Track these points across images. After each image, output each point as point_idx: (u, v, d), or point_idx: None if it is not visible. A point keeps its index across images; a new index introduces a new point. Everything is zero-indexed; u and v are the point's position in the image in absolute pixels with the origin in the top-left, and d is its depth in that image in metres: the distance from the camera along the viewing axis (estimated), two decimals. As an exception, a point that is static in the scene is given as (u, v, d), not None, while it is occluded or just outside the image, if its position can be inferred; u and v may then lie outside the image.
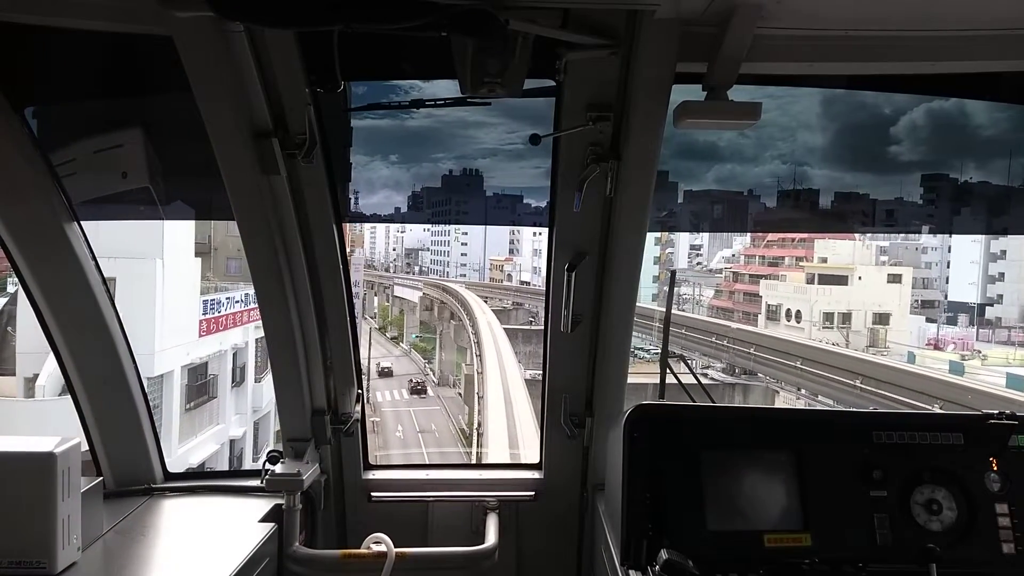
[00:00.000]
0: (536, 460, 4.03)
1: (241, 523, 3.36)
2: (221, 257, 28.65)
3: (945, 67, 3.12)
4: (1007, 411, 2.98)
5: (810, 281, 39.71)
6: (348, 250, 3.87)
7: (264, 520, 3.38)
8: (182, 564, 3.00)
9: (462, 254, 55.07)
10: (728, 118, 2.85)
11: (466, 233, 52.61)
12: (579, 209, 3.30)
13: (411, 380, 40.96)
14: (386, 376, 41.50)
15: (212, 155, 3.13)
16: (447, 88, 3.18)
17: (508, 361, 28.86)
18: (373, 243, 64.19)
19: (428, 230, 55.98)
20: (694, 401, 3.62)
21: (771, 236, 43.17)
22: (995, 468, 2.90)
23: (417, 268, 58.62)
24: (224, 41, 2.85)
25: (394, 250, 62.81)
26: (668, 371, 3.60)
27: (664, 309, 3.79)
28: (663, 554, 2.51)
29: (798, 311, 38.49)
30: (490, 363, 28.36)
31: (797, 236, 41.86)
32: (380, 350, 45.48)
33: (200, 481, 3.85)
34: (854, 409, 3.22)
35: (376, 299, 54.32)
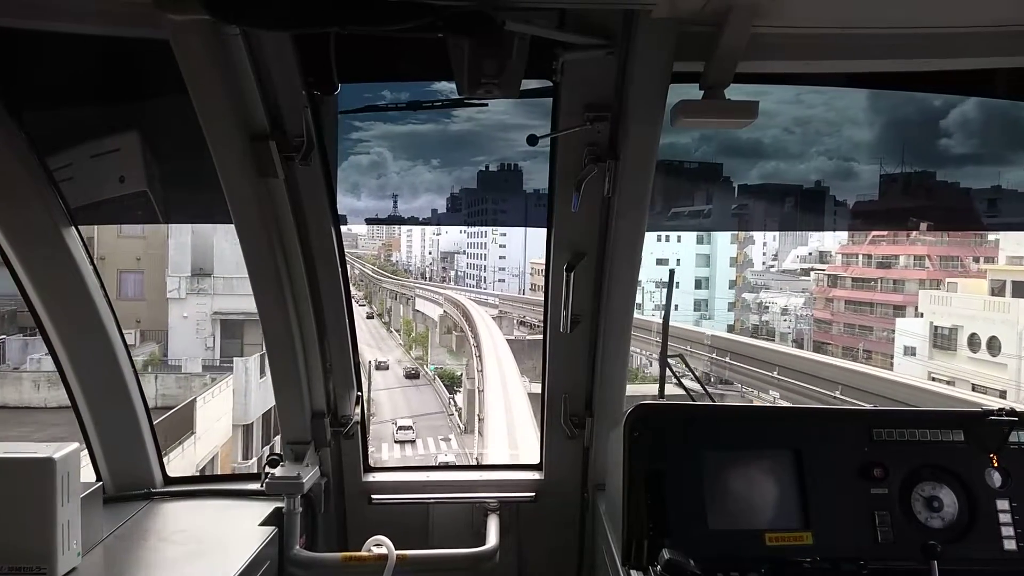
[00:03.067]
0: (536, 461, 4.03)
1: (241, 527, 3.35)
2: (111, 269, 20.65)
3: (941, 64, 3.13)
4: (1006, 407, 2.98)
5: (996, 291, 27.47)
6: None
7: (264, 524, 3.37)
8: (183, 569, 2.99)
9: (500, 257, 50.03)
10: (725, 117, 2.86)
11: (504, 234, 47.73)
12: (577, 209, 3.30)
13: (405, 367, 42.18)
14: (382, 369, 41.55)
15: (209, 158, 3.12)
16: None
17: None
18: (409, 247, 61.85)
19: (464, 232, 51.89)
20: (694, 401, 3.62)
21: (874, 231, 34.64)
22: (996, 464, 2.90)
23: (453, 272, 54.73)
24: (220, 44, 2.85)
25: (430, 254, 59.59)
26: (668, 371, 3.60)
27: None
28: (664, 554, 2.51)
29: (992, 338, 25.41)
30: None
31: (912, 232, 31.81)
32: (396, 374, 41.50)
33: (200, 485, 3.85)
34: (854, 407, 3.22)
35: (402, 310, 49.88)
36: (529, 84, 3.09)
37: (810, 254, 42.50)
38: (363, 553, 3.39)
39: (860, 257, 36.08)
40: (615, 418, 3.23)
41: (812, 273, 39.56)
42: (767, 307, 38.93)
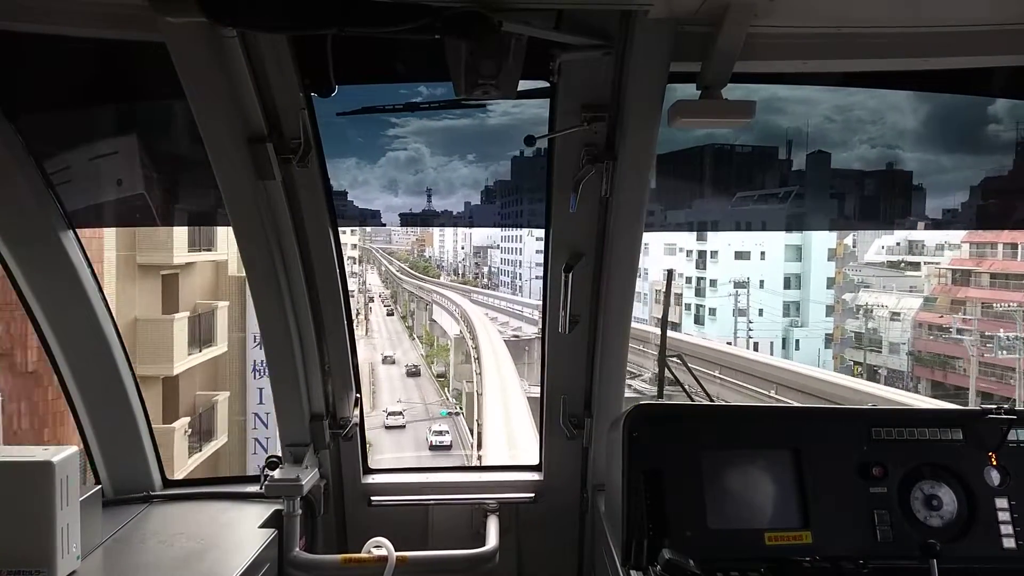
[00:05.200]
0: (536, 461, 4.03)
1: (241, 529, 3.35)
2: None
3: (938, 63, 3.13)
4: (1005, 406, 2.99)
5: None
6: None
7: (264, 526, 3.37)
8: (182, 571, 2.98)
9: (537, 251, 44.08)
10: (722, 116, 2.87)
11: (542, 227, 44.87)
12: (575, 210, 3.31)
13: (406, 365, 42.06)
14: (388, 364, 41.79)
15: (207, 161, 3.12)
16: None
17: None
18: (442, 242, 60.27)
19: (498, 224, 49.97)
20: (693, 401, 3.62)
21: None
22: (994, 463, 2.91)
23: (486, 269, 51.72)
24: (218, 46, 2.85)
25: (463, 249, 57.36)
26: (667, 371, 3.60)
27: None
28: (664, 554, 2.51)
29: None
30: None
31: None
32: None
33: (199, 488, 3.84)
34: (853, 406, 3.23)
35: (424, 316, 46.86)
36: (527, 85, 3.09)
37: (898, 244, 34.90)
38: (363, 555, 3.39)
39: (1000, 247, 27.16)
40: (614, 418, 3.23)
41: (924, 267, 31.72)
42: (871, 310, 31.05)
